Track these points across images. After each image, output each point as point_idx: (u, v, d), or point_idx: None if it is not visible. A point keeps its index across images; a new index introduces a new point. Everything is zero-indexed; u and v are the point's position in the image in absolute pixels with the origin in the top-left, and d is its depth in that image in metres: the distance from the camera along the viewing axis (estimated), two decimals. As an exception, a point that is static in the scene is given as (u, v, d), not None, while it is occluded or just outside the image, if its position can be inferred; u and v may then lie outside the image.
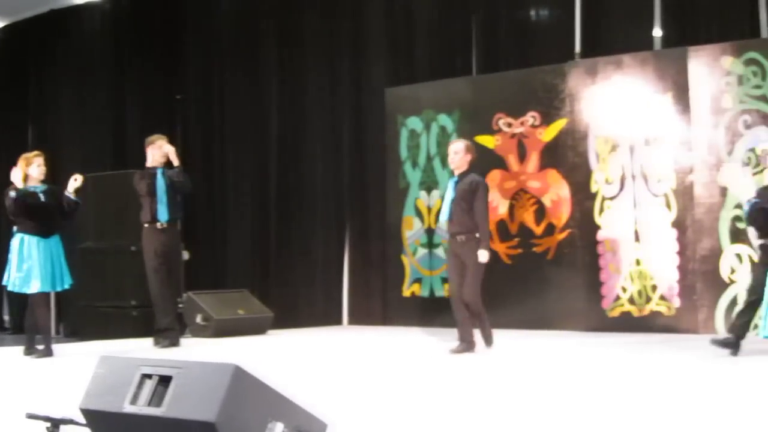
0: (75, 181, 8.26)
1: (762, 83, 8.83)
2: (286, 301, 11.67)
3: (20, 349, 8.33)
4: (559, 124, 10.02)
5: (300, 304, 11.86)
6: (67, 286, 8.25)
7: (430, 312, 10.55)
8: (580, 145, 9.86)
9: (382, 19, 11.64)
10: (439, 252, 10.64)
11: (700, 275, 9.08)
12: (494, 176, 10.16)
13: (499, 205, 10.18)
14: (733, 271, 8.86)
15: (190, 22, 13.21)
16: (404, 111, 11.14)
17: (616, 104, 9.65)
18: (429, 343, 8.82)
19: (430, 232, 10.86)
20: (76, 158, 12.99)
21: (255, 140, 12.55)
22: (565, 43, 10.21)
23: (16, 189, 8.00)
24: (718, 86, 9.04)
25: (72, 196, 8.23)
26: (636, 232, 9.47)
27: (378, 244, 11.41)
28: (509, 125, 10.34)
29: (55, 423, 3.62)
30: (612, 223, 9.62)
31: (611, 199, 9.64)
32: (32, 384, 6.60)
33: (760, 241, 7.21)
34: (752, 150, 8.67)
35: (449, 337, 8.25)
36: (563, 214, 9.97)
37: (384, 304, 11.28)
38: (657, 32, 9.86)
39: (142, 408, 3.42)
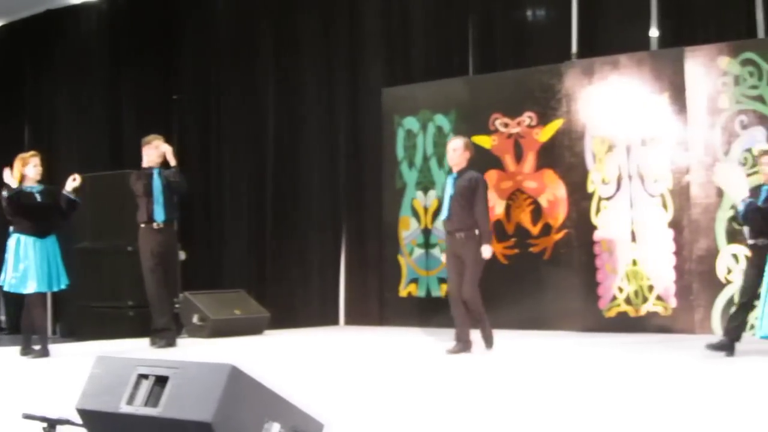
0: (74, 181, 8.26)
1: (758, 84, 8.83)
2: (283, 302, 11.66)
3: (17, 349, 8.33)
4: (556, 125, 10.02)
5: (296, 305, 11.86)
6: (63, 287, 8.24)
7: (426, 312, 10.56)
8: (576, 145, 9.86)
9: (379, 19, 11.64)
10: (436, 252, 10.64)
11: (696, 275, 9.08)
12: (491, 176, 10.13)
13: (495, 206, 10.15)
14: (729, 272, 8.87)
15: (186, 23, 13.20)
16: (401, 111, 11.14)
17: (613, 104, 9.65)
18: (426, 344, 8.82)
19: (426, 232, 10.85)
20: (73, 158, 13.00)
21: (251, 140, 12.54)
22: (561, 43, 10.22)
23: (9, 189, 7.99)
24: (714, 86, 9.05)
25: (71, 196, 8.23)
26: (632, 233, 9.48)
27: (375, 244, 11.40)
28: (506, 125, 10.34)
29: (52, 423, 3.61)
30: (608, 224, 9.62)
31: (608, 199, 9.65)
32: (29, 384, 6.60)
33: (752, 241, 7.21)
34: (749, 150, 8.69)
35: (446, 337, 8.26)
36: (560, 214, 9.97)
37: (381, 304, 11.27)
38: (653, 32, 9.87)
39: (138, 408, 3.42)
